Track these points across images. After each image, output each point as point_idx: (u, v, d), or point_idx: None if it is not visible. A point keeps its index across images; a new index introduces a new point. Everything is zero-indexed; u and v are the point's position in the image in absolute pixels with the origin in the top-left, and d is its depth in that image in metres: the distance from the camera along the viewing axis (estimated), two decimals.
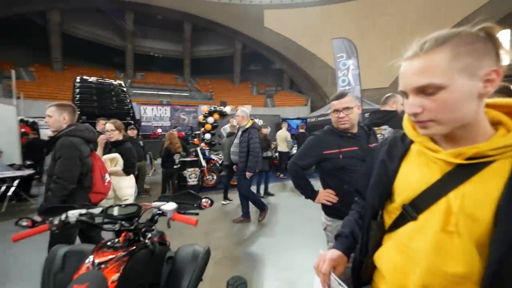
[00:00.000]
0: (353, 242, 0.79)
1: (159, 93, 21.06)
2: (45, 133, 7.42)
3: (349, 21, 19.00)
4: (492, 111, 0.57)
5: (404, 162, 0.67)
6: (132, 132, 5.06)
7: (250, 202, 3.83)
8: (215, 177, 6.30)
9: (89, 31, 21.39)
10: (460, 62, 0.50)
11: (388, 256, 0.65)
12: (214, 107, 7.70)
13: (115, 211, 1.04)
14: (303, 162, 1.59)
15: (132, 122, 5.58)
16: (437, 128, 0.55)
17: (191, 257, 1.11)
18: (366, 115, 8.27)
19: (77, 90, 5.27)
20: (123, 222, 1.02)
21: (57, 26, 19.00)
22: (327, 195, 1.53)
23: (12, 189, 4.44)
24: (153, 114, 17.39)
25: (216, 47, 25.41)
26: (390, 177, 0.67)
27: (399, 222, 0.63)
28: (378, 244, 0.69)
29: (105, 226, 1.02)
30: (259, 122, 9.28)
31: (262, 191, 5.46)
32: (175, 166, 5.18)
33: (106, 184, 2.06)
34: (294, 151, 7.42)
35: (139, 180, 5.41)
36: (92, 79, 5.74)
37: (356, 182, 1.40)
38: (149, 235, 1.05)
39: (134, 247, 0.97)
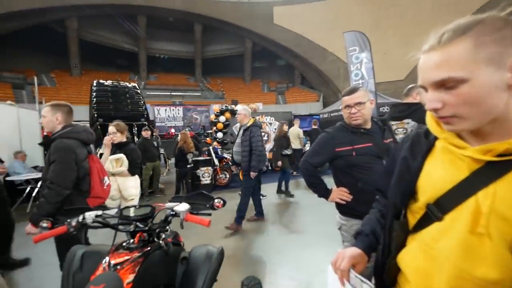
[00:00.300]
0: (375, 241, 0.76)
1: (171, 93, 21.45)
2: None
3: (360, 14, 18.43)
4: None
5: (428, 160, 0.63)
6: (146, 133, 5.18)
7: (259, 201, 3.79)
8: (228, 176, 6.35)
9: (104, 36, 22.12)
10: (484, 52, 0.46)
11: (411, 257, 0.62)
12: (226, 106, 7.74)
13: (130, 212, 1.06)
14: (315, 160, 1.55)
15: (146, 123, 5.70)
16: (462, 124, 0.51)
17: (205, 258, 1.11)
18: (382, 109, 8.02)
19: (94, 94, 5.46)
20: (137, 223, 1.03)
21: (75, 33, 19.80)
22: (340, 194, 1.49)
23: (36, 190, 4.68)
24: (167, 115, 17.77)
25: (226, 46, 25.50)
26: (412, 175, 0.64)
27: (423, 223, 0.60)
28: (402, 245, 0.66)
29: (120, 227, 1.04)
30: (271, 119, 9.24)
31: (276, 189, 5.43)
32: (188, 166, 5.26)
33: (105, 187, 1.94)
34: (307, 148, 7.33)
35: (154, 180, 5.55)
36: (108, 82, 5.92)
37: (370, 180, 1.38)
38: (163, 235, 1.06)
39: (149, 248, 0.98)
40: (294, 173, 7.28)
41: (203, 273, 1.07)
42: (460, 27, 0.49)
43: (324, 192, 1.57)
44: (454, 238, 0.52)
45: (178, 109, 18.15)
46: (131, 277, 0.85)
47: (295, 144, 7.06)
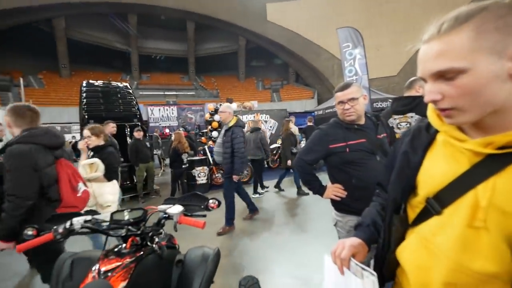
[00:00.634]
0: (375, 232, 0.75)
1: (165, 93, 21.23)
2: None
3: (354, 10, 18.51)
4: None
5: (429, 153, 0.62)
6: (138, 134, 5.08)
7: (247, 197, 3.75)
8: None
9: (94, 35, 21.72)
10: (486, 40, 0.44)
11: (410, 251, 0.62)
12: (220, 105, 7.67)
13: (122, 216, 1.02)
14: (309, 157, 1.55)
15: (139, 123, 5.61)
16: (462, 116, 0.49)
17: (200, 260, 1.09)
18: (375, 104, 8.07)
19: (84, 95, 5.33)
20: (129, 227, 0.99)
21: (63, 32, 19.38)
22: (335, 190, 1.49)
23: None
24: (160, 115, 17.58)
25: (220, 44, 25.34)
26: (413, 169, 0.63)
27: (422, 217, 0.60)
28: (401, 239, 0.66)
29: (111, 231, 1.00)
30: (266, 117, 9.22)
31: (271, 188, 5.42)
32: (183, 166, 5.20)
33: (80, 195, 1.77)
34: (303, 145, 7.33)
35: (148, 181, 5.48)
36: (98, 82, 5.79)
37: (364, 176, 1.38)
38: (157, 239, 1.03)
39: (142, 253, 0.94)
40: (290, 170, 7.29)
41: (199, 275, 1.05)
42: (462, 14, 0.47)
43: (319, 189, 1.57)
44: (452, 232, 0.52)
45: (172, 109, 17.98)
46: (123, 284, 0.82)
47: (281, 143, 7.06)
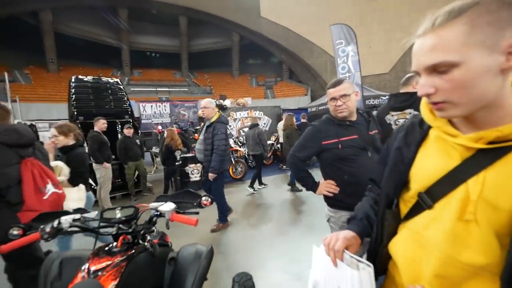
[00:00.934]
0: (368, 226, 0.76)
1: (157, 89, 20.89)
2: (44, 136, 7.40)
3: (346, 7, 18.53)
4: None
5: (422, 149, 0.63)
6: (128, 131, 4.97)
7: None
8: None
9: (83, 29, 21.09)
10: (479, 34, 0.45)
11: (401, 245, 0.63)
12: (216, 101, 7.60)
13: (112, 214, 1.00)
14: (302, 154, 1.55)
15: (130, 120, 5.50)
16: (454, 110, 0.50)
17: (194, 257, 1.08)
18: (368, 101, 8.15)
19: (73, 91, 5.18)
20: (120, 225, 0.97)
21: (50, 26, 18.73)
22: (328, 186, 1.51)
23: None
24: (153, 111, 17.28)
25: (213, 40, 25.03)
26: (406, 165, 0.64)
27: (414, 211, 0.61)
28: (393, 233, 0.67)
29: (102, 230, 0.98)
30: (260, 114, 9.20)
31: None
32: (176, 163, 5.14)
33: (46, 197, 1.64)
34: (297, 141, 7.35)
35: (141, 179, 5.40)
36: (88, 78, 5.64)
37: (356, 172, 1.39)
38: (149, 237, 1.01)
39: (133, 251, 0.93)
40: (284, 167, 7.32)
41: (192, 272, 1.04)
42: (455, 9, 0.47)
43: (312, 185, 1.58)
44: (443, 225, 0.53)
45: (164, 105, 17.68)
46: (113, 283, 0.80)
47: (284, 138, 7.08)
